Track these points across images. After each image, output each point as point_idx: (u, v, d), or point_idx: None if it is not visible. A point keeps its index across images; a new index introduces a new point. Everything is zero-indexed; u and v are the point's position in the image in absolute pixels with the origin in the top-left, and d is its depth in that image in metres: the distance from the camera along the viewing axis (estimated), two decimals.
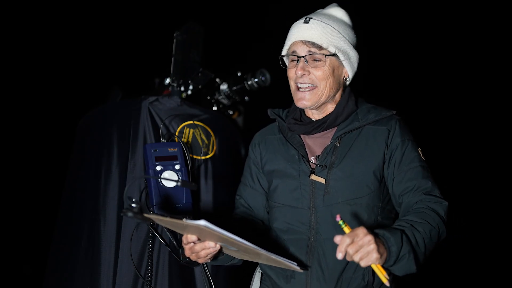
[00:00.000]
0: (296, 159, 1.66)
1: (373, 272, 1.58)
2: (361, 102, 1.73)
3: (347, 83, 1.73)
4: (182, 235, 1.55)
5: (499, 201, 4.00)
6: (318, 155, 1.65)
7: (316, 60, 1.61)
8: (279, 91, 2.08)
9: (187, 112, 2.12)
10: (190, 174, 1.97)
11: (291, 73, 1.65)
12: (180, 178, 1.90)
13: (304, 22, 1.63)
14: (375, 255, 1.26)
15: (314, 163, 1.64)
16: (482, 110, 4.07)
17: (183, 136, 2.05)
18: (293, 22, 1.69)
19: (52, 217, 2.22)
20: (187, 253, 1.54)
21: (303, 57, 1.62)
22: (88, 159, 2.07)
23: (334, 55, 1.62)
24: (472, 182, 3.99)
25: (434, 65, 4.10)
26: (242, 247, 1.41)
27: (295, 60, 1.64)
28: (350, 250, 1.25)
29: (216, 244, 1.48)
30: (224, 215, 1.88)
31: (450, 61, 4.08)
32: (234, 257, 1.65)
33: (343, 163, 1.59)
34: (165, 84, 2.33)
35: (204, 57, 2.37)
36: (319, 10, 1.73)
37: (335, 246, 1.55)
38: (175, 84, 2.26)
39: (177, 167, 1.92)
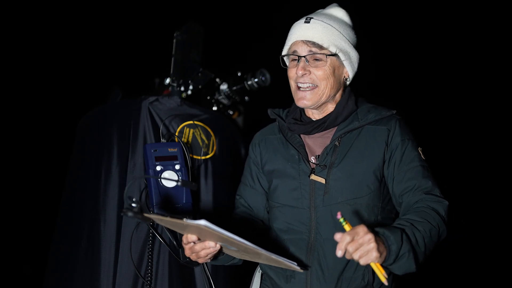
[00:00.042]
0: (296, 159, 1.66)
1: (373, 272, 1.58)
2: (361, 102, 1.73)
3: (347, 83, 1.73)
4: (182, 235, 1.55)
5: (499, 201, 4.00)
6: (318, 155, 1.65)
7: (317, 59, 1.61)
8: (279, 91, 2.08)
9: (187, 112, 2.12)
10: (190, 174, 1.97)
11: (292, 73, 1.65)
12: (180, 178, 1.90)
13: (305, 22, 1.63)
14: (374, 253, 1.26)
15: (314, 163, 1.64)
16: (482, 110, 4.07)
17: (183, 136, 2.05)
18: (293, 22, 1.69)
19: (52, 217, 2.22)
20: (187, 253, 1.54)
21: (304, 56, 1.62)
22: (88, 159, 2.07)
23: (334, 55, 1.62)
24: (472, 182, 3.99)
25: (435, 65, 4.11)
26: (242, 247, 1.41)
27: (295, 59, 1.64)
28: (350, 248, 1.25)
29: (216, 244, 1.48)
30: (224, 215, 1.88)
31: (450, 61, 4.08)
32: (234, 257, 1.65)
33: (343, 163, 1.59)
34: (165, 84, 2.33)
35: (204, 57, 2.37)
36: (319, 10, 1.73)
37: (335, 246, 1.55)
38: (175, 84, 2.26)
39: (177, 167, 1.92)
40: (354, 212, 1.56)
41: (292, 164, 1.66)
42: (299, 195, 1.62)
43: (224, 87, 2.37)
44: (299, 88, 1.64)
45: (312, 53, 1.61)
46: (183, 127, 2.07)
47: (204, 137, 2.11)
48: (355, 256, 1.26)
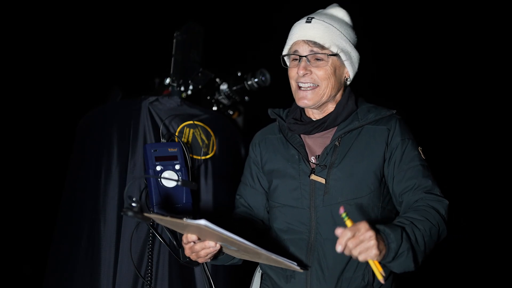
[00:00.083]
0: (296, 159, 1.66)
1: (373, 272, 1.58)
2: (361, 101, 1.73)
3: (348, 83, 1.73)
4: (182, 235, 1.55)
5: (499, 201, 4.00)
6: (318, 155, 1.65)
7: (318, 59, 1.61)
8: (279, 91, 2.08)
9: (187, 112, 2.12)
10: (190, 174, 1.97)
11: (293, 73, 1.65)
12: (180, 177, 1.90)
13: (306, 22, 1.63)
14: (374, 251, 1.26)
15: (314, 163, 1.64)
16: (482, 110, 4.08)
17: (183, 136, 2.05)
18: (293, 22, 1.69)
19: (52, 217, 2.22)
20: (187, 252, 1.54)
21: (305, 56, 1.61)
22: (88, 159, 2.07)
23: (336, 55, 1.62)
24: (472, 182, 3.99)
25: (435, 65, 4.11)
26: (242, 247, 1.41)
27: (296, 59, 1.64)
28: (350, 244, 1.25)
29: (216, 243, 1.48)
30: (224, 215, 1.88)
31: (450, 61, 4.08)
32: (234, 257, 1.65)
33: (343, 163, 1.59)
34: (165, 84, 2.33)
35: (204, 57, 2.37)
36: (320, 10, 1.73)
37: (335, 246, 1.55)
38: (175, 84, 2.26)
39: (177, 167, 1.92)
40: (354, 212, 1.56)
41: (292, 164, 1.66)
42: (299, 195, 1.62)
43: (224, 87, 2.37)
44: (300, 87, 1.64)
45: (313, 53, 1.61)
46: (183, 127, 2.07)
47: (204, 137, 2.11)
48: (355, 252, 1.25)
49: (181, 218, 1.35)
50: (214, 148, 2.13)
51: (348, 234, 1.25)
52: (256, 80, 2.32)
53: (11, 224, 3.58)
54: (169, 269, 1.89)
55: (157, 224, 1.89)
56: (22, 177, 3.69)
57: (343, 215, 1.29)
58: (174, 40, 2.30)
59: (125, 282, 1.84)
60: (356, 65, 1.70)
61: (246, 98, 2.43)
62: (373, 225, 1.30)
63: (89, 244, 1.91)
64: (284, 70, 1.71)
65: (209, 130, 2.13)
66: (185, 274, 1.94)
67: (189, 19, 2.35)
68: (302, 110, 1.75)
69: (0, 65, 3.54)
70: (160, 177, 1.85)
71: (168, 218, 1.38)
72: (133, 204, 1.40)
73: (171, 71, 2.27)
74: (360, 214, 1.57)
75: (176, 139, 2.01)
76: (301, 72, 1.61)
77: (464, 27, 3.99)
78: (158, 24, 3.63)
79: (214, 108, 2.38)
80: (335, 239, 1.55)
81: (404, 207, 1.56)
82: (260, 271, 1.78)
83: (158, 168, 1.88)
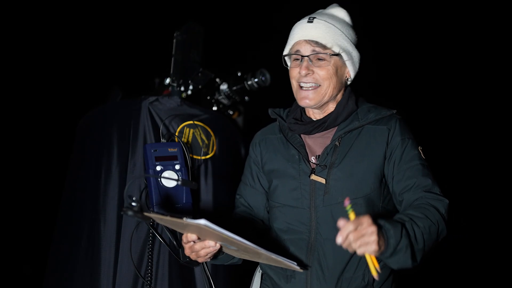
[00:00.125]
0: (296, 159, 1.66)
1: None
2: (361, 101, 1.73)
3: (348, 83, 1.73)
4: (182, 235, 1.55)
5: (499, 201, 4.00)
6: (318, 155, 1.65)
7: (320, 59, 1.61)
8: (279, 91, 2.08)
9: (187, 112, 2.12)
10: (190, 174, 1.97)
11: (294, 73, 1.65)
12: (180, 177, 1.90)
13: (308, 22, 1.63)
14: (374, 247, 1.25)
15: (314, 163, 1.64)
16: (482, 110, 4.07)
17: (183, 136, 2.05)
18: (293, 22, 1.69)
19: (52, 217, 2.22)
20: (187, 252, 1.54)
21: (307, 56, 1.61)
22: (88, 159, 2.07)
23: (337, 54, 1.62)
24: (472, 182, 3.99)
25: (435, 65, 4.11)
26: (242, 247, 1.41)
27: (298, 59, 1.64)
28: (351, 237, 1.24)
29: (216, 243, 1.48)
30: (224, 215, 1.88)
31: (450, 61, 4.08)
32: (234, 256, 1.65)
33: (343, 163, 1.59)
34: (165, 84, 2.33)
35: (204, 57, 2.37)
36: (320, 10, 1.73)
37: (335, 246, 1.55)
38: (175, 84, 2.26)
39: (177, 167, 1.92)
40: (355, 212, 1.56)
41: (292, 164, 1.66)
42: (299, 195, 1.62)
43: (224, 87, 2.37)
44: (301, 87, 1.64)
45: (315, 52, 1.61)
46: (183, 127, 2.07)
47: (204, 137, 2.11)
48: (354, 246, 1.25)
49: (181, 217, 1.35)
50: (214, 148, 2.13)
51: (350, 227, 1.24)
52: (256, 80, 2.32)
53: (11, 224, 3.57)
54: (169, 269, 1.89)
55: (157, 224, 1.89)
56: (22, 177, 3.69)
57: (348, 207, 1.28)
58: (174, 40, 2.30)
59: (125, 282, 1.84)
60: (357, 65, 1.70)
61: (246, 98, 2.44)
62: (375, 220, 1.30)
63: (89, 244, 1.91)
64: (284, 70, 1.71)
65: (209, 130, 2.13)
66: (185, 274, 1.94)
67: (189, 19, 2.35)
68: (302, 110, 1.75)
69: (0, 65, 3.54)
70: (160, 177, 1.85)
71: (168, 218, 1.38)
72: (133, 204, 1.40)
73: (171, 71, 2.27)
74: (360, 214, 1.56)
75: (176, 139, 2.01)
76: (303, 72, 1.60)
77: (464, 27, 3.99)
78: (158, 24, 3.63)
79: (214, 108, 2.38)
80: (335, 239, 1.55)
81: (404, 206, 1.56)
82: (260, 271, 1.78)
83: (158, 168, 1.88)
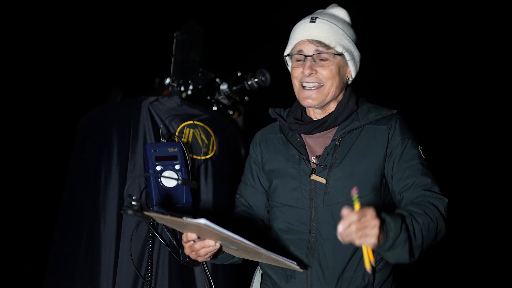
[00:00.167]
0: (296, 159, 1.66)
1: (373, 272, 1.58)
2: (362, 101, 1.73)
3: (349, 82, 1.73)
4: (182, 234, 1.55)
5: (499, 201, 4.00)
6: (319, 155, 1.65)
7: (323, 59, 1.61)
8: (279, 91, 2.08)
9: (187, 112, 2.12)
10: (190, 174, 1.97)
11: (296, 72, 1.65)
12: (180, 176, 1.90)
13: (311, 21, 1.63)
14: (373, 240, 1.25)
15: (314, 163, 1.64)
16: (482, 110, 4.07)
17: (183, 136, 2.05)
18: (293, 22, 1.69)
19: (52, 217, 2.22)
20: (187, 251, 1.54)
21: (311, 56, 1.61)
22: (88, 159, 2.07)
23: (340, 54, 1.62)
24: (472, 182, 3.99)
25: (435, 65, 4.11)
26: (242, 246, 1.41)
27: (301, 59, 1.64)
28: (353, 227, 1.23)
29: (216, 242, 1.48)
30: (224, 215, 1.88)
31: (450, 61, 4.08)
32: (234, 256, 1.65)
33: (344, 163, 1.59)
34: (165, 84, 2.33)
35: (204, 57, 2.37)
36: (320, 10, 1.73)
37: (335, 246, 1.56)
38: (175, 84, 2.26)
39: (177, 167, 1.92)
40: None
41: (292, 164, 1.66)
42: (300, 195, 1.62)
43: (224, 87, 2.38)
44: (303, 87, 1.64)
45: (319, 52, 1.61)
46: (183, 127, 2.07)
47: (204, 137, 2.11)
48: (355, 236, 1.24)
49: (181, 217, 1.35)
50: (214, 148, 2.13)
51: (354, 217, 1.23)
52: (256, 80, 2.32)
53: (11, 224, 3.57)
54: (169, 269, 1.89)
55: (157, 224, 1.89)
56: (22, 177, 3.69)
57: (355, 197, 1.27)
58: (174, 40, 2.30)
59: (125, 282, 1.84)
60: (358, 65, 1.71)
61: (246, 98, 2.44)
62: (379, 213, 1.29)
63: (89, 244, 1.91)
64: (284, 70, 1.71)
65: (209, 130, 2.13)
66: (185, 274, 1.94)
67: (189, 19, 2.35)
68: (303, 110, 1.75)
69: (0, 65, 3.54)
70: (161, 176, 1.85)
71: (168, 217, 1.38)
72: (133, 203, 1.40)
73: (171, 71, 2.27)
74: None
75: (176, 139, 2.01)
76: (307, 71, 1.60)
77: (464, 27, 3.99)
78: (158, 24, 3.63)
79: (214, 108, 2.38)
80: (335, 239, 1.55)
81: (404, 204, 1.56)
82: (260, 271, 1.78)
83: (158, 168, 1.88)
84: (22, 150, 3.71)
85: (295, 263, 1.47)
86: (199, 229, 1.42)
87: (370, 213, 1.25)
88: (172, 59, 2.28)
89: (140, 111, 2.03)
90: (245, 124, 2.55)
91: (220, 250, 1.55)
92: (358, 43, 1.70)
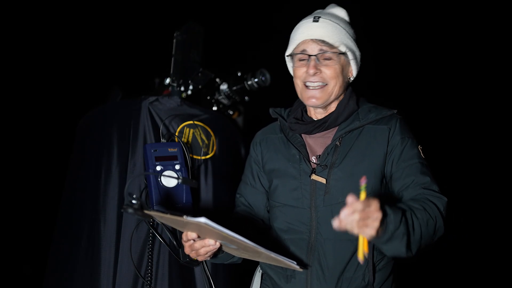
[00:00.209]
0: (297, 159, 1.66)
1: (373, 272, 1.58)
2: (362, 101, 1.73)
3: (350, 82, 1.73)
4: (182, 234, 1.55)
5: (499, 201, 4.00)
6: (319, 155, 1.65)
7: (326, 58, 1.61)
8: (279, 91, 2.08)
9: (187, 112, 2.12)
10: (190, 174, 1.97)
11: (300, 72, 1.64)
12: (180, 176, 1.90)
13: (314, 21, 1.63)
14: (372, 232, 1.24)
15: (315, 163, 1.64)
16: (482, 110, 4.07)
17: (183, 136, 2.06)
18: (293, 22, 1.69)
19: (52, 217, 2.22)
20: (187, 250, 1.54)
21: (315, 55, 1.61)
22: (88, 159, 2.07)
23: (343, 53, 1.62)
24: (472, 181, 3.99)
25: (435, 65, 4.11)
26: (242, 245, 1.41)
27: (304, 59, 1.64)
28: (356, 216, 1.21)
29: (216, 241, 1.48)
30: (224, 214, 1.88)
31: (450, 61, 4.08)
32: (234, 255, 1.65)
33: (344, 163, 1.59)
34: (165, 84, 2.33)
35: (204, 57, 2.37)
36: (319, 10, 1.73)
37: (335, 246, 1.56)
38: (175, 84, 2.26)
39: (177, 167, 1.92)
40: None
41: (293, 164, 1.66)
42: (300, 195, 1.62)
43: (224, 87, 2.38)
44: (307, 87, 1.64)
45: (323, 51, 1.61)
46: (183, 127, 2.07)
47: (204, 137, 2.11)
48: (355, 224, 1.22)
49: (181, 215, 1.35)
50: (214, 148, 2.13)
51: (359, 206, 1.22)
52: (256, 80, 2.32)
53: (11, 224, 3.57)
54: (169, 269, 1.89)
55: (157, 224, 1.89)
56: (22, 177, 3.69)
57: (363, 186, 1.26)
58: (174, 40, 2.30)
59: (125, 282, 1.84)
60: (359, 65, 1.71)
61: (246, 98, 2.44)
62: (383, 205, 1.28)
63: (89, 244, 1.91)
64: (285, 70, 1.71)
65: (209, 130, 2.13)
66: (185, 274, 1.94)
67: (189, 19, 2.35)
68: (303, 109, 1.75)
69: (0, 65, 3.54)
70: (161, 174, 1.85)
71: (168, 216, 1.38)
72: (133, 201, 1.40)
73: (171, 71, 2.27)
74: None
75: (176, 139, 2.01)
76: (312, 71, 1.60)
77: (464, 27, 3.99)
78: (158, 24, 3.63)
79: (214, 108, 2.38)
80: (335, 239, 1.56)
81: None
82: (261, 271, 1.78)
83: (158, 168, 1.88)
84: (22, 150, 3.71)
85: (295, 262, 1.47)
86: (199, 228, 1.42)
87: (375, 204, 1.24)
88: (172, 59, 2.28)
89: (140, 111, 2.03)
90: (245, 124, 2.55)
91: (220, 250, 1.55)
92: (359, 43, 1.71)
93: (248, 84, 2.33)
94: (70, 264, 1.94)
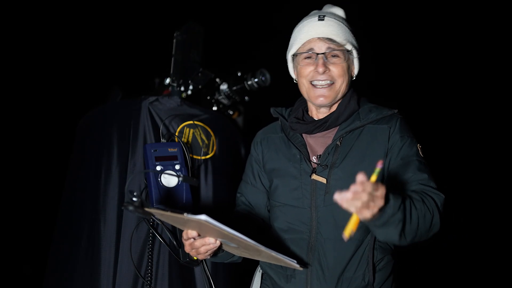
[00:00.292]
0: (297, 159, 1.66)
1: (374, 272, 1.58)
2: (363, 101, 1.73)
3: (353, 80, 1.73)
4: (182, 233, 1.55)
5: (499, 201, 4.00)
6: (320, 155, 1.65)
7: (334, 56, 1.62)
8: (279, 91, 2.08)
9: (187, 112, 2.12)
10: (190, 174, 1.97)
11: (306, 71, 1.64)
12: (181, 174, 1.90)
13: (319, 20, 1.63)
14: (368, 214, 1.23)
15: (315, 163, 1.64)
16: (482, 110, 4.08)
17: (183, 136, 2.06)
18: (294, 22, 1.69)
19: (52, 217, 2.22)
20: (187, 249, 1.53)
21: (323, 53, 1.61)
22: (88, 159, 2.07)
23: (349, 51, 1.63)
24: (472, 181, 3.99)
25: (435, 65, 4.11)
26: (242, 244, 1.41)
27: (310, 57, 1.64)
28: (363, 196, 1.20)
29: (216, 240, 1.48)
30: (225, 214, 1.89)
31: (450, 61, 4.08)
32: (234, 254, 1.65)
33: (344, 162, 1.59)
34: (165, 84, 2.33)
35: (204, 57, 2.37)
36: (316, 11, 1.73)
37: (335, 245, 1.56)
38: (175, 84, 2.26)
39: (177, 167, 1.92)
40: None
41: (293, 163, 1.66)
42: (300, 195, 1.62)
43: (224, 87, 2.38)
44: (314, 85, 1.64)
45: (331, 49, 1.61)
46: (183, 127, 2.07)
47: (204, 137, 2.11)
48: (356, 203, 1.21)
49: (182, 213, 1.35)
50: (214, 148, 2.13)
51: (369, 187, 1.21)
52: (256, 80, 2.32)
53: (11, 224, 3.57)
54: (169, 269, 1.89)
55: (157, 224, 1.89)
56: (22, 177, 3.69)
57: (378, 169, 1.25)
58: (174, 40, 2.30)
59: (125, 282, 1.84)
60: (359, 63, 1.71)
61: (246, 98, 2.44)
62: (387, 194, 1.27)
63: (89, 244, 1.91)
64: (284, 70, 1.71)
65: (209, 130, 2.13)
66: (185, 274, 1.94)
67: (189, 19, 2.36)
68: (304, 109, 1.75)
69: (0, 65, 3.54)
70: (162, 172, 1.85)
71: (169, 213, 1.38)
72: (134, 199, 1.40)
73: (171, 71, 2.27)
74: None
75: (176, 139, 2.01)
76: (321, 69, 1.60)
77: (464, 27, 3.99)
78: (158, 24, 3.63)
79: (214, 108, 2.38)
80: (335, 239, 1.56)
81: None
82: (261, 270, 1.78)
83: (158, 168, 1.88)
84: (22, 150, 3.71)
85: (295, 261, 1.47)
86: (199, 226, 1.41)
87: (381, 191, 1.24)
88: (172, 59, 2.28)
89: (140, 111, 2.03)
90: (245, 124, 2.55)
91: (220, 248, 1.55)
92: (358, 42, 1.71)
93: (248, 84, 2.33)
94: (70, 264, 1.94)
